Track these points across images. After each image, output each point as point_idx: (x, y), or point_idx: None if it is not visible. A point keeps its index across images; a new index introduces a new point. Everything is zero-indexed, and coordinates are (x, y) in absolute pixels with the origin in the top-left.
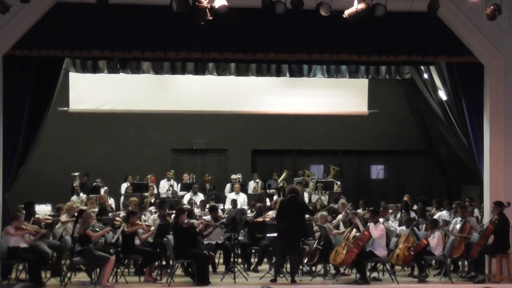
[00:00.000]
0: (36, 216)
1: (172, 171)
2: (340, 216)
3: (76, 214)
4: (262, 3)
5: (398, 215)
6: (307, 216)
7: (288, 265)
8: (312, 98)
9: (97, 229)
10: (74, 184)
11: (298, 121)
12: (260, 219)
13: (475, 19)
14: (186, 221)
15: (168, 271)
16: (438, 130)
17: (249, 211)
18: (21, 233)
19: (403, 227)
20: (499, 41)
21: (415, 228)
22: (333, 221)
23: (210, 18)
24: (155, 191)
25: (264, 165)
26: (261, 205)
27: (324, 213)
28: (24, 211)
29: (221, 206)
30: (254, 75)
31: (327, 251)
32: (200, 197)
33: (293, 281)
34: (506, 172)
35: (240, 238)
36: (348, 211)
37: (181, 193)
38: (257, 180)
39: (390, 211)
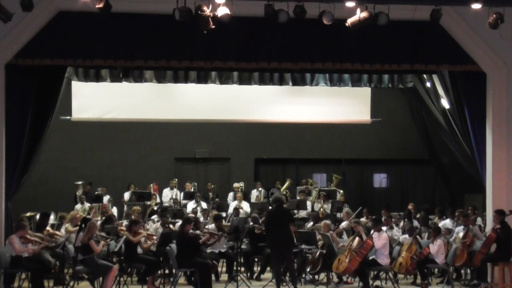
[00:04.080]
0: (47, 229)
1: (176, 179)
2: (344, 224)
3: (79, 223)
4: (265, 12)
5: (401, 224)
6: (310, 224)
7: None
8: (315, 106)
9: (99, 239)
10: (78, 193)
11: (301, 129)
12: (258, 231)
13: (477, 28)
14: (191, 231)
15: (171, 279)
16: (440, 139)
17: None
18: (24, 250)
19: (406, 236)
20: (502, 49)
21: (417, 236)
22: (336, 230)
23: (213, 27)
24: (158, 200)
25: (267, 173)
26: (256, 215)
27: (328, 221)
28: (36, 220)
29: (223, 214)
30: (257, 84)
31: (330, 259)
32: (203, 206)
33: None
34: (509, 181)
35: (243, 246)
36: (352, 220)
37: (184, 201)
38: (260, 189)
39: (393, 219)
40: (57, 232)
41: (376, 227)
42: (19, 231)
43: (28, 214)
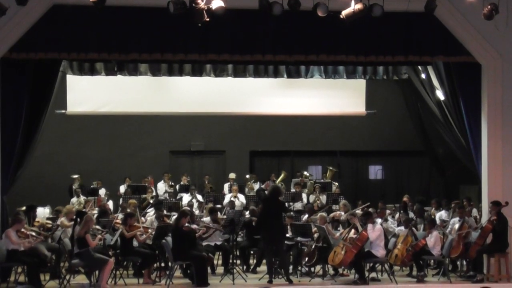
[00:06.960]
0: (37, 220)
1: (169, 174)
2: (342, 216)
3: (74, 216)
4: (259, 4)
5: (397, 215)
6: (305, 217)
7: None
8: (310, 99)
9: (95, 233)
10: (74, 186)
11: (296, 122)
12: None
13: (472, 19)
14: (186, 225)
15: (167, 272)
16: (436, 130)
17: (247, 213)
18: (21, 242)
19: (402, 227)
20: (497, 40)
21: (413, 228)
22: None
23: (207, 19)
24: (154, 193)
25: (262, 166)
26: (254, 208)
27: (324, 214)
28: (25, 215)
29: (219, 206)
30: (251, 76)
31: (325, 251)
32: (198, 198)
33: (289, 281)
34: (504, 172)
35: (239, 239)
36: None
37: (179, 194)
38: (252, 180)
39: (388, 211)
40: (47, 221)
41: (368, 219)
42: (16, 225)
43: (24, 208)
